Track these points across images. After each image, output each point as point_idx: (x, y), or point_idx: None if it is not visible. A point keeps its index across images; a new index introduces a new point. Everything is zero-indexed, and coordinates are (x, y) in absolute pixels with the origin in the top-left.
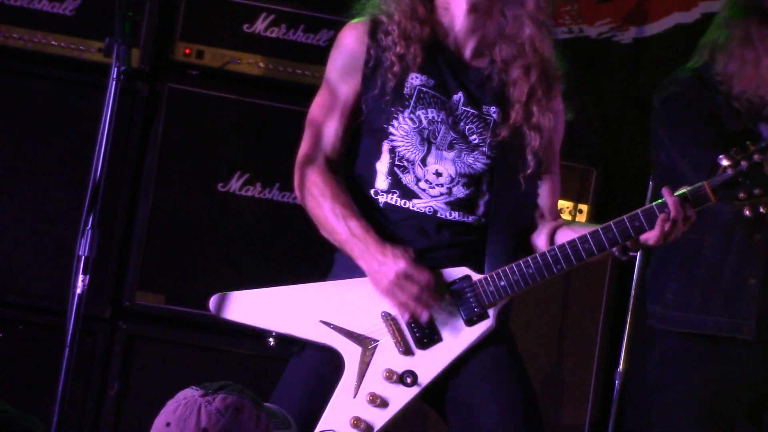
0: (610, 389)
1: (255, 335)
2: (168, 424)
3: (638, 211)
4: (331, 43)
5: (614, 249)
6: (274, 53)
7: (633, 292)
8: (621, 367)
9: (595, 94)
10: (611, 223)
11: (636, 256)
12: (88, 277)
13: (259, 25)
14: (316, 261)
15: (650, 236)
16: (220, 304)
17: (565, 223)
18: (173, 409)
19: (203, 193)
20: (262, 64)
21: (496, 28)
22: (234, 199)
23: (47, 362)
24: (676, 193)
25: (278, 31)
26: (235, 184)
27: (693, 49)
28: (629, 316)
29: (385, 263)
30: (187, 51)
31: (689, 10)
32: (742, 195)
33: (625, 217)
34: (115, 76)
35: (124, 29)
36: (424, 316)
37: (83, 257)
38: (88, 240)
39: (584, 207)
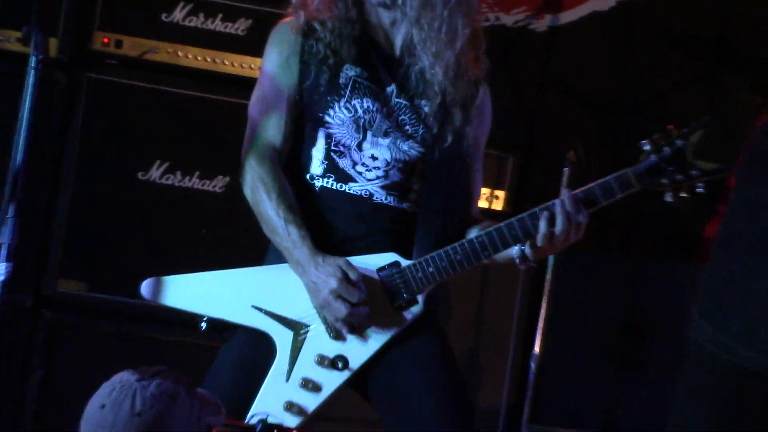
0: (526, 372)
1: (180, 323)
2: (103, 406)
3: (514, 219)
4: (249, 31)
5: (517, 257)
6: (192, 42)
7: (548, 276)
8: (537, 349)
9: (511, 82)
10: (536, 208)
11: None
12: (10, 265)
13: (177, 14)
14: (239, 246)
15: (537, 236)
16: (153, 289)
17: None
18: (108, 391)
19: (124, 181)
20: (180, 53)
21: (422, 24)
22: (154, 188)
23: None
24: (600, 181)
25: (196, 20)
26: (155, 173)
27: (608, 38)
28: (545, 299)
29: (317, 282)
30: (106, 40)
31: None
32: (665, 181)
33: (509, 221)
34: (33, 66)
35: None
36: (359, 328)
37: (5, 245)
38: (10, 228)
39: (501, 193)
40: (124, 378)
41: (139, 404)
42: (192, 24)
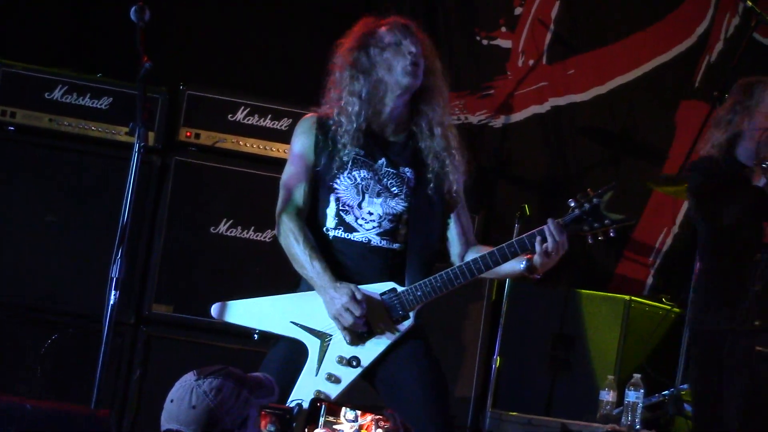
0: (489, 371)
1: (242, 334)
2: (172, 401)
3: (514, 240)
4: (290, 127)
5: (524, 268)
6: (250, 135)
7: (504, 301)
8: (497, 355)
9: (477, 164)
10: (499, 246)
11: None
12: (118, 293)
13: (239, 115)
14: (280, 279)
15: (533, 255)
16: (219, 310)
17: (475, 249)
18: (176, 389)
19: (200, 233)
20: (241, 143)
21: (414, 112)
22: (222, 238)
23: (89, 355)
24: (537, 229)
25: (252, 119)
26: (223, 227)
27: (545, 131)
28: (502, 318)
29: (334, 298)
30: (188, 134)
31: (542, 103)
32: (585, 228)
33: (510, 241)
34: (136, 151)
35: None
36: (359, 332)
37: (115, 278)
38: (118, 266)
39: None
40: (186, 378)
41: (194, 399)
42: (249, 122)
